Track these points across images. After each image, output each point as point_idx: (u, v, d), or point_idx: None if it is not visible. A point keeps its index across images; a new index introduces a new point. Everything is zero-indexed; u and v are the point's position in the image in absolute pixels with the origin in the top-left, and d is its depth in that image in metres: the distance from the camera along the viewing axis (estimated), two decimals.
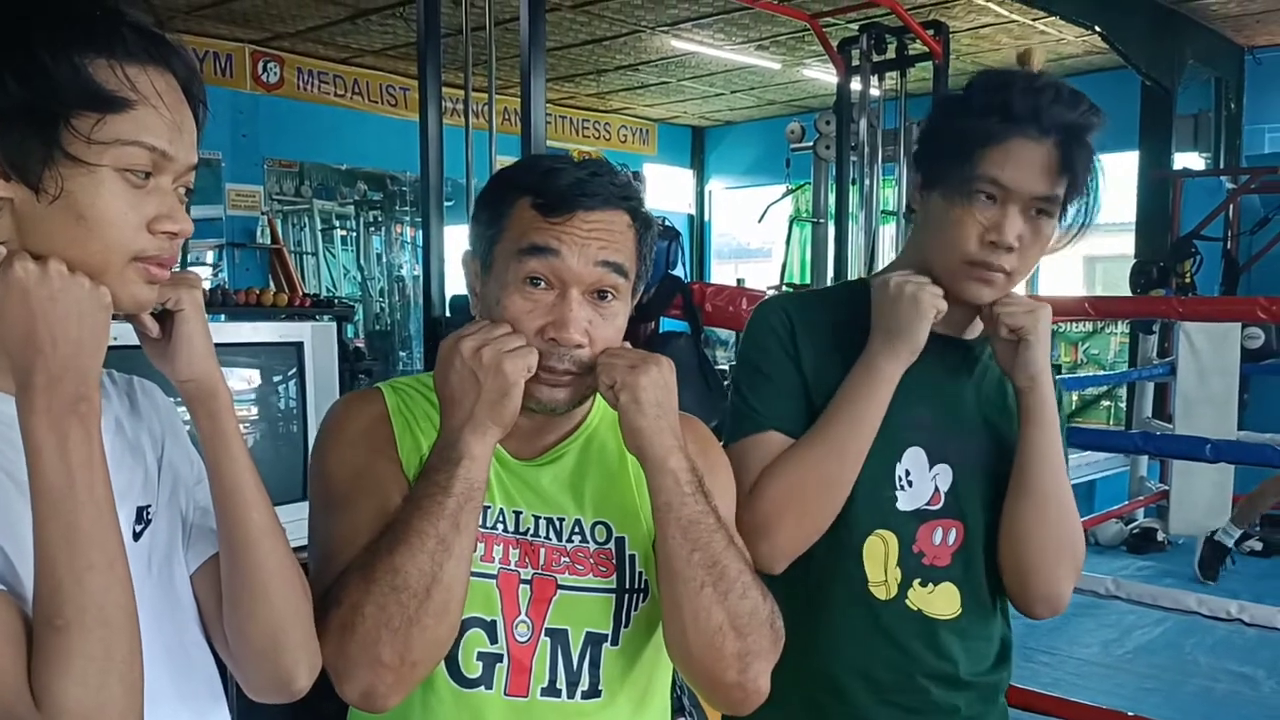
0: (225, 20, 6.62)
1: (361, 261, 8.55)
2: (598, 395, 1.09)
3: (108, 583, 0.77)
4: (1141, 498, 5.59)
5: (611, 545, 1.09)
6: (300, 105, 7.48)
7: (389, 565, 0.94)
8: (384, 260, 8.66)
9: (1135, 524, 5.52)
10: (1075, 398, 7.18)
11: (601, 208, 1.03)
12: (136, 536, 0.91)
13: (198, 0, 6.17)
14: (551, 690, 1.05)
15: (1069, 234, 1.25)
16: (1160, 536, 5.34)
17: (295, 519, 2.29)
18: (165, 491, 0.96)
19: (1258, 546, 5.23)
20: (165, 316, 0.89)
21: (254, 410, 2.27)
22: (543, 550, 1.07)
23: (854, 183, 5.78)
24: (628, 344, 1.06)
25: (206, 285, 5.72)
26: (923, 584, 1.29)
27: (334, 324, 2.40)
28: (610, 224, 1.03)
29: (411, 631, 0.94)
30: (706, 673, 1.04)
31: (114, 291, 0.82)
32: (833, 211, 5.93)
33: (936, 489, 1.30)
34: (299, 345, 2.24)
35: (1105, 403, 7.96)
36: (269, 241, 7.30)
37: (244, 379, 2.24)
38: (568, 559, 1.07)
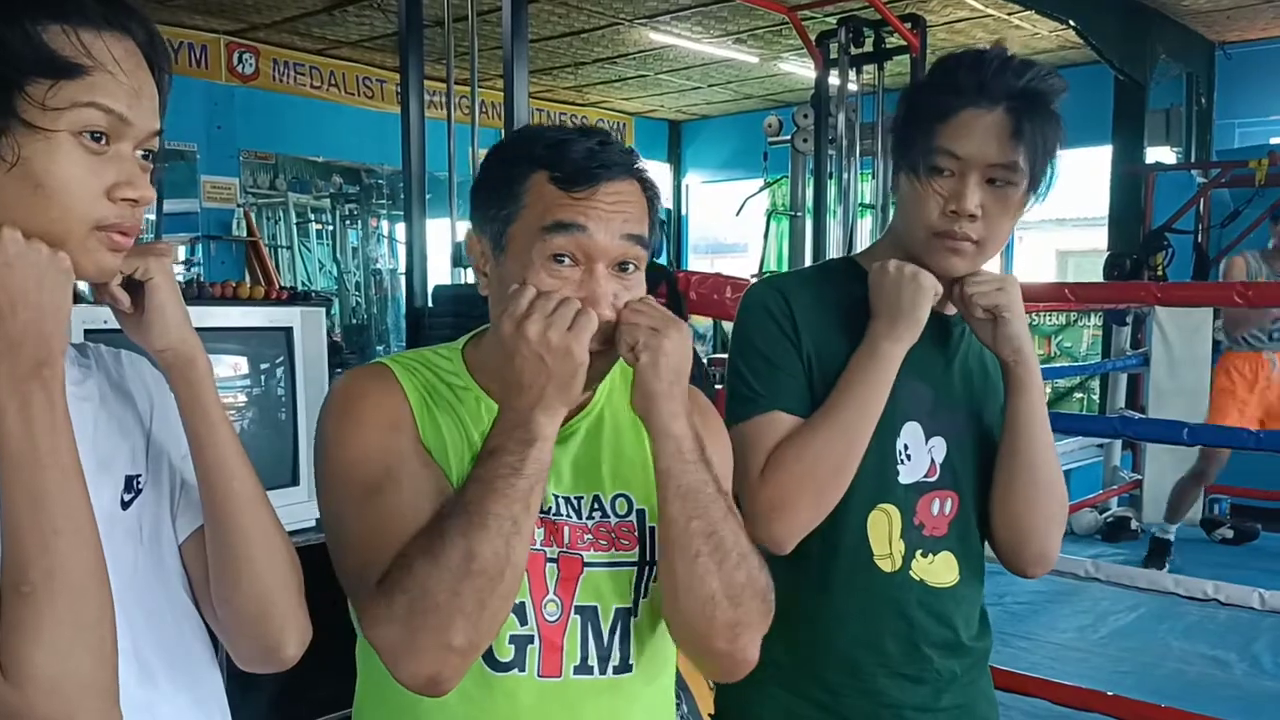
0: (200, 10, 6.56)
1: (337, 255, 8.49)
2: None
3: (74, 548, 0.77)
4: (1115, 487, 5.66)
5: (633, 518, 1.09)
6: (276, 97, 7.41)
7: (463, 549, 0.92)
8: (360, 254, 8.60)
9: (1109, 513, 5.58)
10: (1049, 389, 7.26)
11: (619, 178, 1.02)
12: (126, 505, 0.91)
13: None
14: (584, 668, 1.05)
15: (1029, 197, 1.27)
16: (1134, 525, 5.40)
17: (285, 504, 2.29)
18: (154, 463, 0.96)
19: (1229, 534, 5.31)
20: (136, 288, 0.88)
21: (242, 397, 2.27)
22: (566, 529, 1.06)
23: (831, 176, 5.80)
24: (649, 298, 1.05)
25: (181, 279, 5.66)
26: (924, 554, 1.33)
27: (323, 309, 2.39)
28: (629, 195, 1.03)
29: (483, 615, 0.94)
30: (697, 639, 1.05)
31: (78, 260, 0.81)
32: (810, 205, 5.96)
33: (932, 461, 1.33)
34: (288, 330, 2.24)
35: (1078, 395, 8.04)
36: (245, 234, 7.24)
37: (232, 365, 2.23)
38: (590, 535, 1.07)
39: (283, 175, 7.91)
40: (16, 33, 0.78)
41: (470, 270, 3.48)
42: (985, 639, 1.41)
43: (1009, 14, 6.54)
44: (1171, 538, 4.87)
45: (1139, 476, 5.50)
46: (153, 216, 7.05)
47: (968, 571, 1.36)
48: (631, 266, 1.03)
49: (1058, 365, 7.19)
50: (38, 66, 0.78)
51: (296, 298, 5.93)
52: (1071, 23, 6.04)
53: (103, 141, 0.81)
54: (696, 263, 10.48)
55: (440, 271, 3.96)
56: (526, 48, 3.70)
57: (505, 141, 1.10)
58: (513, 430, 0.97)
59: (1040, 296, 2.98)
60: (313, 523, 2.28)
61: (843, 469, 1.25)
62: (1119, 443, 5.73)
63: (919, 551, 1.32)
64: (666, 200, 10.35)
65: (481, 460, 0.98)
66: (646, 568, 1.08)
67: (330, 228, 8.49)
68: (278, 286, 6.42)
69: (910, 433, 1.32)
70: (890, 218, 1.42)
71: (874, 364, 1.26)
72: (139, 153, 0.84)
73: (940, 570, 1.34)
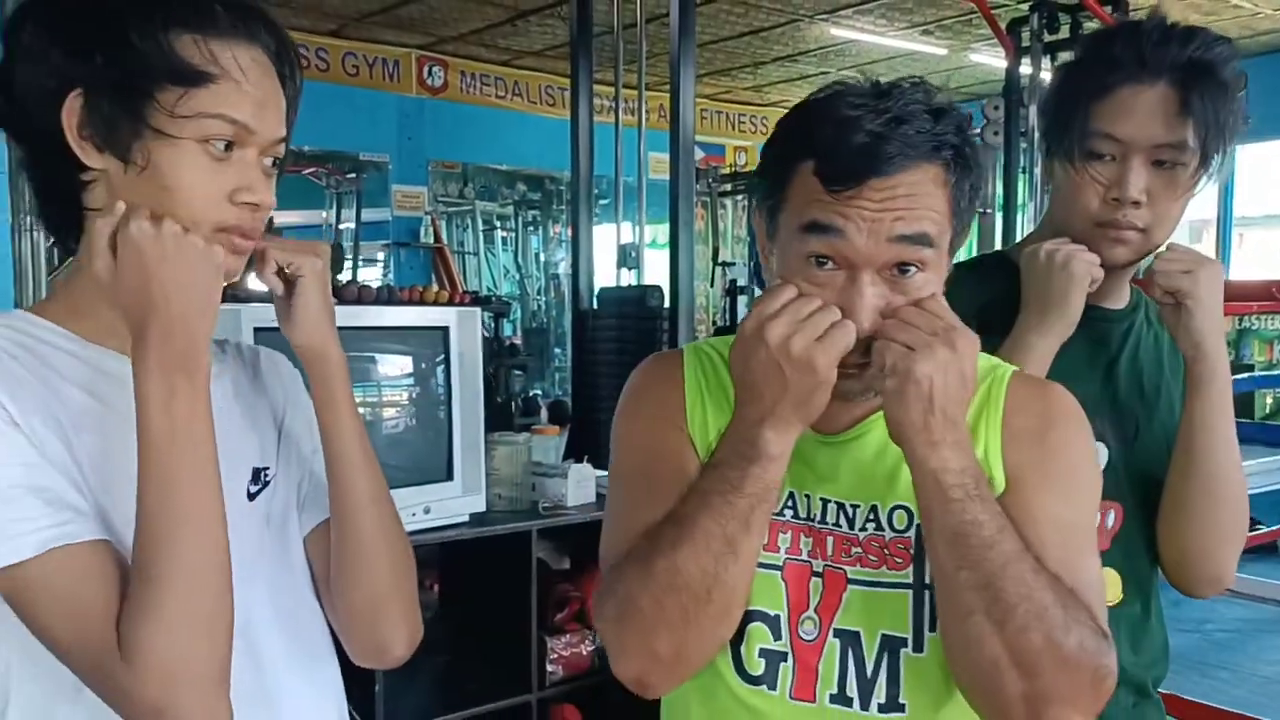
0: (393, 26, 6.88)
1: (520, 260, 8.73)
2: None
3: (199, 539, 0.78)
4: None
5: (911, 533, 0.95)
6: (463, 108, 7.69)
7: (670, 563, 0.88)
8: (541, 259, 8.82)
9: None
10: (1269, 399, 6.65)
11: (899, 170, 0.86)
12: (252, 497, 0.93)
13: (366, 8, 6.43)
14: (842, 698, 0.95)
15: (1200, 176, 1.13)
16: None
17: (439, 499, 2.34)
18: (284, 457, 0.98)
19: None
20: (290, 283, 0.91)
21: (402, 395, 2.33)
22: (830, 539, 0.96)
23: (1024, 171, 5.55)
24: (933, 302, 0.89)
25: (375, 284, 5.96)
26: None
27: (478, 310, 2.44)
28: (913, 188, 0.86)
29: (689, 630, 0.89)
30: (988, 710, 0.90)
31: None
32: (1000, 201, 5.70)
33: None
34: (445, 330, 2.28)
35: None
36: (431, 241, 7.54)
37: (392, 363, 2.30)
38: (859, 549, 0.96)
39: (471, 184, 8.21)
40: (150, 43, 0.81)
41: (633, 272, 3.48)
42: (1158, 667, 1.28)
43: None
44: None
45: None
46: (353, 225, 7.47)
47: (1136, 590, 1.24)
48: (913, 269, 0.88)
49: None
50: (168, 75, 0.81)
51: (478, 301, 6.17)
52: None
53: (227, 148, 0.84)
54: None
55: (607, 274, 3.98)
56: (694, 49, 3.67)
57: (793, 111, 0.94)
58: (738, 443, 0.90)
59: (1247, 296, 2.69)
60: (466, 517, 2.32)
61: None
62: None
63: None
64: None
65: (705, 470, 0.92)
66: (929, 592, 0.94)
67: (514, 234, 8.75)
68: (461, 290, 6.70)
69: None
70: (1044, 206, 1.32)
71: (1020, 358, 1.15)
72: (265, 159, 0.87)
73: None
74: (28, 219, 2.29)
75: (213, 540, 0.79)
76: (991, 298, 1.21)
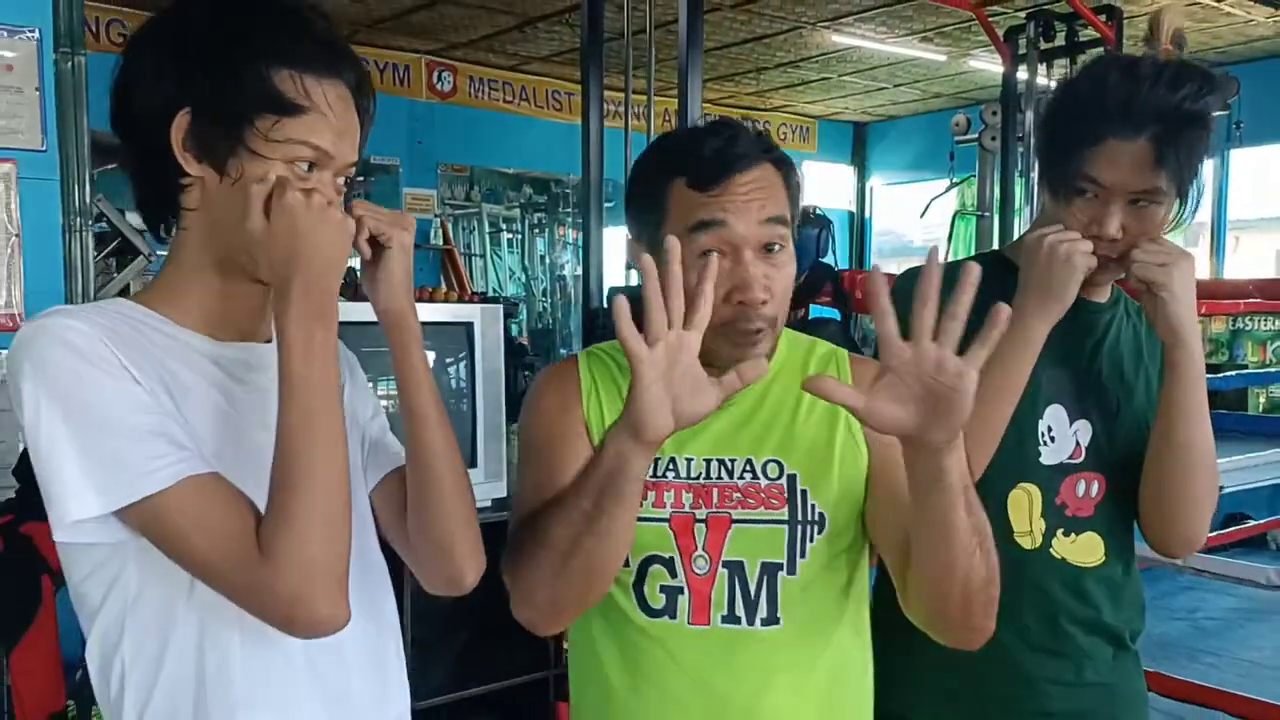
0: (403, 32, 7.01)
1: (525, 262, 8.85)
2: (781, 341, 1.17)
3: (329, 458, 0.91)
4: None
5: (783, 481, 1.15)
6: (471, 112, 7.82)
7: (544, 526, 1.06)
8: (547, 261, 8.94)
9: None
10: (1262, 397, 6.76)
11: (750, 167, 1.09)
12: None
13: (379, 15, 6.56)
14: (731, 618, 1.13)
15: (1174, 219, 1.27)
16: None
17: None
18: (345, 424, 1.10)
19: None
20: (379, 248, 1.03)
21: None
22: (715, 490, 1.15)
23: (1021, 174, 5.66)
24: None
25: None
26: (1066, 534, 1.36)
27: (500, 307, 2.56)
28: (762, 180, 1.10)
29: (558, 585, 1.06)
30: (958, 621, 1.08)
31: None
32: (998, 204, 5.82)
33: (1077, 443, 1.36)
34: (469, 326, 2.40)
35: None
36: (441, 243, 7.67)
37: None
38: (740, 494, 1.15)
39: (478, 187, 8.33)
40: (252, 74, 0.93)
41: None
42: (1135, 621, 1.42)
43: (1218, 0, 6.15)
44: None
45: None
46: None
47: (1116, 553, 1.38)
48: (777, 246, 1.10)
49: (1273, 370, 6.68)
50: (266, 105, 0.93)
51: (486, 302, 6.31)
52: None
53: (308, 169, 0.96)
54: (881, 266, 10.22)
55: (616, 275, 4.11)
56: (701, 56, 3.80)
57: (643, 157, 1.20)
58: (605, 443, 1.03)
59: (1222, 294, 2.80)
60: (488, 502, 2.45)
61: (977, 450, 1.25)
62: None
63: (1060, 530, 1.35)
64: (850, 203, 10.23)
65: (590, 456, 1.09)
66: (800, 527, 1.14)
67: (520, 236, 8.87)
68: (469, 291, 6.82)
69: (1053, 415, 1.35)
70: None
71: (1021, 340, 1.26)
72: (338, 179, 0.99)
73: (1083, 550, 1.36)
74: (77, 220, 2.42)
75: (340, 459, 0.92)
76: (988, 296, 1.33)
